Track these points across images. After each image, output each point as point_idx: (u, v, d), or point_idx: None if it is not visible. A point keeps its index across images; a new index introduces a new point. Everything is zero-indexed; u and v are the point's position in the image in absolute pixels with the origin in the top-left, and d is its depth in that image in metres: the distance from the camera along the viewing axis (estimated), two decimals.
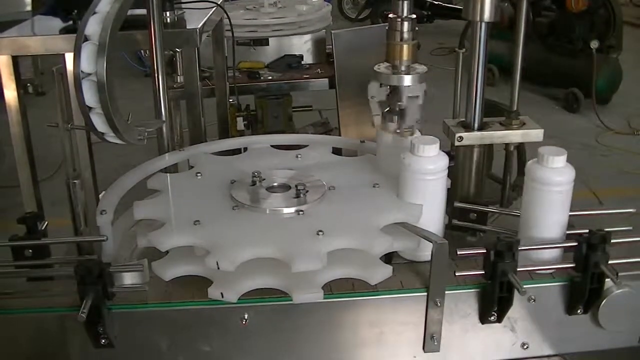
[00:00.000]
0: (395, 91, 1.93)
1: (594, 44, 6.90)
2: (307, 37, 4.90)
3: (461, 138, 1.95)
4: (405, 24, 1.89)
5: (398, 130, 1.94)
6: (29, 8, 6.62)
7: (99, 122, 1.64)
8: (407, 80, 1.90)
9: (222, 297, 1.59)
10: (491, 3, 1.88)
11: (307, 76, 4.64)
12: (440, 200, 1.80)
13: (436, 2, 9.74)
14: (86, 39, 1.59)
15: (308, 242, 1.65)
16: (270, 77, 4.56)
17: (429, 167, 1.75)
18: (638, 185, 5.55)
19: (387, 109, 1.96)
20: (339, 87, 4.41)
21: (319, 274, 1.64)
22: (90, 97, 1.59)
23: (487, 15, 1.89)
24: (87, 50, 1.57)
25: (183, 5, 3.26)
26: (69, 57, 2.59)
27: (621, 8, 7.44)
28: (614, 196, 5.13)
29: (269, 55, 4.81)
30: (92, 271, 1.53)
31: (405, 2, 1.88)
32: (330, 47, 4.64)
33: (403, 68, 1.91)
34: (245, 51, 4.76)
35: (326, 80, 4.59)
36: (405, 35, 1.89)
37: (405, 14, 1.89)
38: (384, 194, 1.88)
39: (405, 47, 1.89)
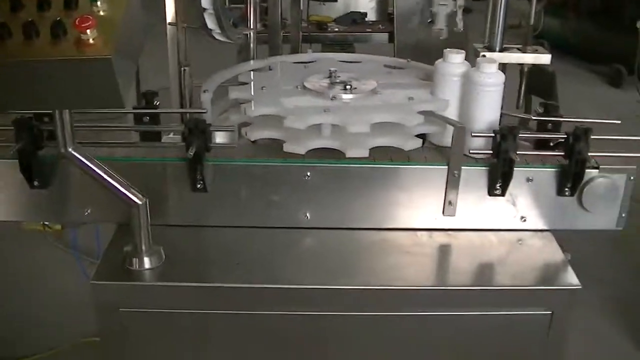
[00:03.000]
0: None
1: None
2: None
3: (483, 57, 2.46)
4: None
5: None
6: None
7: (211, 21, 2.19)
8: None
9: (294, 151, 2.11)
10: None
11: (370, 30, 5.13)
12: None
13: None
14: None
15: (359, 115, 2.17)
16: (336, 29, 5.06)
17: (453, 70, 2.25)
18: None
19: None
20: (397, 41, 4.89)
21: (366, 140, 2.14)
22: (205, 0, 2.15)
23: None
24: None
25: None
26: None
27: None
28: None
29: (337, 11, 5.30)
30: (198, 125, 2.06)
31: None
32: (392, 8, 5.11)
33: None
34: (316, 6, 5.26)
35: (386, 35, 5.08)
36: None
37: None
38: (420, 92, 2.37)
39: None
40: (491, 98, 2.19)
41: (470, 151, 2.16)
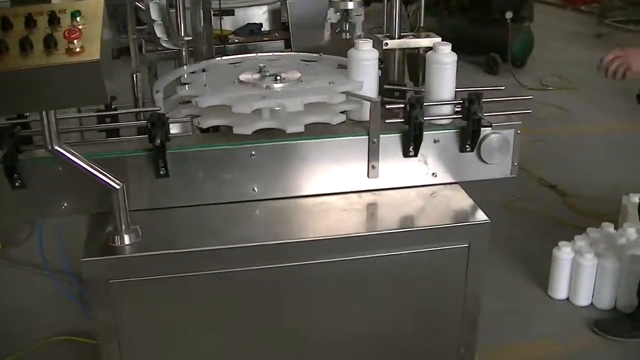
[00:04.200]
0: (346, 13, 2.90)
1: (509, 15, 7.92)
2: (265, 7, 5.79)
3: (386, 44, 2.90)
4: None
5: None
6: None
7: (159, 31, 2.56)
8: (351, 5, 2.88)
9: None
10: None
11: (267, 39, 5.54)
12: (373, 78, 2.68)
13: None
14: None
15: (293, 98, 2.54)
16: (237, 40, 5.44)
17: (365, 56, 2.66)
18: (540, 126, 6.65)
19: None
20: (294, 47, 5.29)
21: (301, 118, 2.52)
22: (154, 13, 2.51)
23: None
24: None
25: None
26: None
27: None
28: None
29: (234, 23, 5.68)
30: (160, 118, 2.40)
31: None
32: (285, 15, 5.52)
33: None
34: (215, 20, 5.62)
35: (282, 42, 5.49)
36: None
37: None
38: (338, 77, 2.76)
39: None
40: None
41: (386, 121, 2.57)
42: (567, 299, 4.24)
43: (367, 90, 2.65)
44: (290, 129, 2.49)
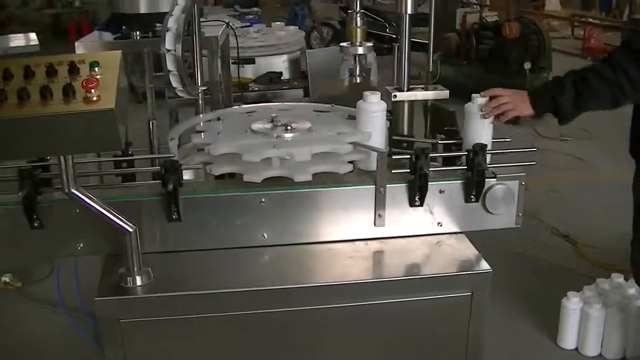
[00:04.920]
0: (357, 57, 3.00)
1: (527, 65, 8.02)
2: (285, 57, 5.95)
3: (395, 96, 2.98)
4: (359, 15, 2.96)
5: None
6: None
7: (175, 81, 2.67)
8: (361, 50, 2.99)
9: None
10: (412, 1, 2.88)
11: (286, 87, 5.68)
12: (382, 129, 2.77)
13: (395, 36, 10.84)
14: (168, 30, 2.63)
15: (301, 147, 2.62)
16: (256, 88, 5.59)
17: (373, 108, 2.75)
18: (556, 176, 6.69)
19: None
20: (312, 95, 5.44)
21: (309, 167, 2.60)
22: (170, 64, 2.63)
23: (409, 9, 2.89)
24: (169, 36, 2.61)
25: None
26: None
27: (549, 34, 8.60)
28: (540, 184, 6.21)
29: (255, 71, 5.84)
30: (174, 164, 2.50)
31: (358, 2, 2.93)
32: (304, 64, 5.67)
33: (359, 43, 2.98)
34: (235, 68, 5.78)
35: (301, 90, 5.64)
36: (359, 23, 2.96)
37: (358, 9, 2.94)
38: (347, 128, 2.85)
39: (359, 30, 2.97)
40: None
41: (393, 171, 2.66)
42: (576, 348, 4.25)
43: (375, 141, 2.73)
44: (298, 178, 2.58)
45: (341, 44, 3.03)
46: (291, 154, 2.58)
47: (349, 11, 2.99)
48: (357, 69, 3.02)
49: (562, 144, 7.87)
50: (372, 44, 3.00)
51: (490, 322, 2.67)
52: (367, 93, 2.75)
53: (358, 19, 2.95)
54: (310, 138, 2.76)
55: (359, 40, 2.97)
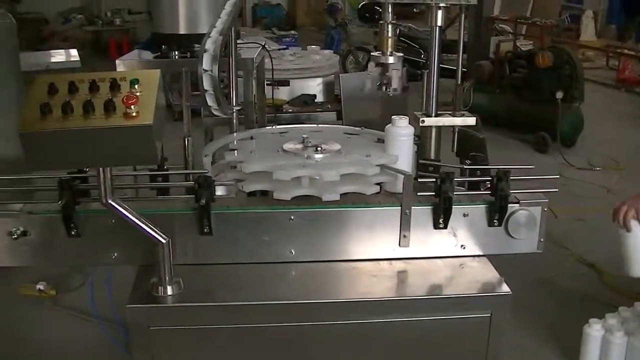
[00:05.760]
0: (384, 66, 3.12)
1: (559, 95, 8.04)
2: (319, 80, 6.05)
3: (423, 121, 3.06)
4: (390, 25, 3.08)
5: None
6: None
7: (210, 100, 2.77)
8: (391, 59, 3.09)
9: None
10: (442, 14, 2.95)
11: (320, 110, 5.77)
12: (409, 153, 2.87)
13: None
14: (205, 51, 2.74)
15: (330, 168, 2.72)
16: (290, 110, 5.69)
17: (401, 132, 2.85)
18: (584, 205, 6.75)
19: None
20: (345, 119, 5.53)
21: (337, 187, 2.70)
22: (207, 84, 2.74)
23: (439, 21, 2.95)
24: (207, 57, 2.72)
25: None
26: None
27: (582, 65, 8.62)
28: (568, 213, 6.24)
29: (289, 93, 5.94)
30: (207, 180, 2.61)
31: (389, 12, 3.03)
32: (338, 88, 5.76)
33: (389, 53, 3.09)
34: (269, 90, 5.90)
35: (334, 113, 5.73)
36: (390, 33, 3.07)
37: (389, 19, 3.05)
38: (375, 150, 2.95)
39: (390, 40, 3.08)
40: None
41: (418, 194, 2.73)
42: None
43: (402, 164, 2.82)
44: (326, 197, 2.67)
45: (372, 53, 3.13)
46: (320, 174, 2.67)
47: (381, 22, 3.10)
48: (385, 78, 3.11)
49: (591, 173, 7.88)
50: (401, 55, 3.09)
51: (511, 346, 2.72)
52: (395, 117, 2.84)
53: (389, 28, 3.06)
54: (339, 159, 2.86)
55: (389, 50, 3.08)
